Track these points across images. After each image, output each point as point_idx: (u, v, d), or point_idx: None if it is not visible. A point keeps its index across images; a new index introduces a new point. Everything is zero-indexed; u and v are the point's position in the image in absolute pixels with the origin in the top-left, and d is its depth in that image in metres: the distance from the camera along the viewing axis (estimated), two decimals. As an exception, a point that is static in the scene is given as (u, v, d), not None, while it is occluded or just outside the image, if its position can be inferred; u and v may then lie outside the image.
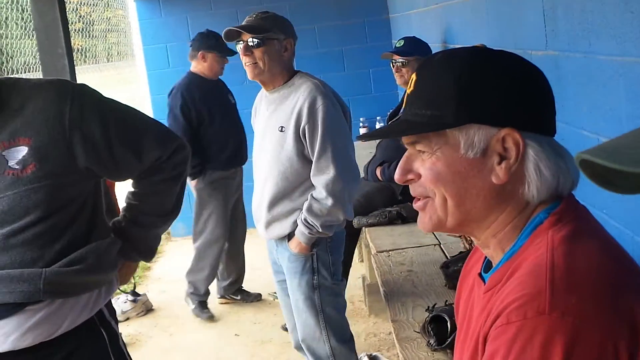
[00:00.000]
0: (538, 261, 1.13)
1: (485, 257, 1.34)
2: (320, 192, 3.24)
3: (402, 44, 4.84)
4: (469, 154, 1.21)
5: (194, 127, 5.26)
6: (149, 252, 2.41)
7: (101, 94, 2.13)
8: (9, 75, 2.16)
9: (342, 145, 3.26)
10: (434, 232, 4.19)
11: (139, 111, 2.24)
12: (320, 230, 3.27)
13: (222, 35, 3.34)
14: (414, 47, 4.78)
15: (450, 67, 1.23)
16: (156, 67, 7.38)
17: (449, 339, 2.59)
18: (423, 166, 1.25)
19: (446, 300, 2.93)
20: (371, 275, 5.04)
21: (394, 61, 4.79)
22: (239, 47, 3.28)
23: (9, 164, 1.95)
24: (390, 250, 3.95)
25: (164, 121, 5.09)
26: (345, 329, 3.56)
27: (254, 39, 3.23)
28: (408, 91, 1.29)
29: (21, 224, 1.95)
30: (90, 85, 2.13)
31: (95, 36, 7.65)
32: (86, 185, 2.08)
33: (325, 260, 3.39)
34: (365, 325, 4.98)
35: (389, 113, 5.70)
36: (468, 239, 3.66)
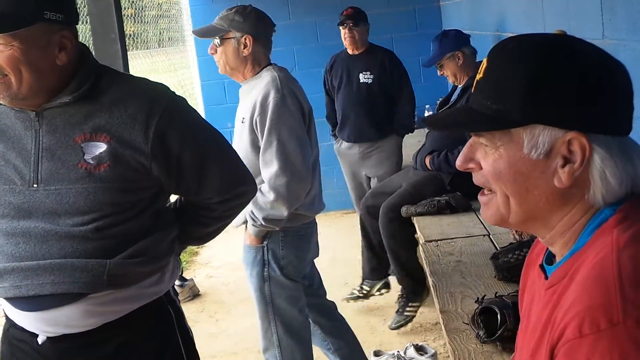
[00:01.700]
0: (603, 264, 1.08)
1: (547, 248, 1.31)
2: (264, 185, 3.28)
3: (432, 49, 4.88)
4: (532, 155, 1.16)
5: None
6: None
7: (195, 114, 2.15)
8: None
9: (289, 140, 3.26)
10: (483, 222, 4.15)
11: (223, 142, 2.22)
12: (262, 223, 3.31)
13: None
14: (440, 47, 4.80)
15: (523, 57, 1.17)
16: (206, 53, 7.39)
17: (499, 332, 2.56)
18: (485, 160, 1.21)
19: (496, 292, 2.89)
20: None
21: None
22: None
23: (85, 157, 1.95)
24: (438, 240, 3.92)
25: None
26: (295, 321, 3.56)
27: (216, 39, 3.39)
28: (478, 77, 1.23)
29: (85, 218, 1.96)
30: (187, 102, 2.14)
31: (147, 22, 7.69)
32: (157, 190, 2.09)
33: (276, 254, 3.44)
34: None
35: (438, 102, 5.67)
36: (519, 230, 3.61)
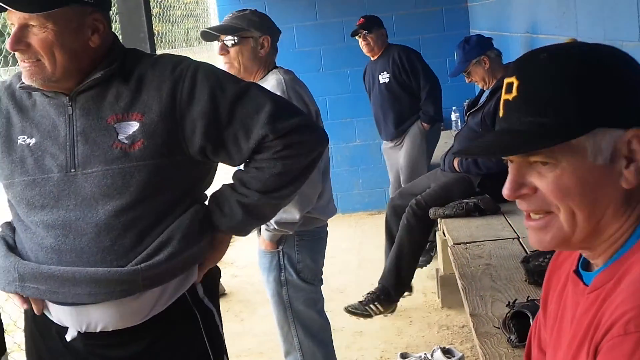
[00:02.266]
0: None
1: (580, 255, 1.29)
2: None
3: (456, 59, 4.93)
4: (598, 161, 1.13)
5: None
6: (241, 226, 2.15)
7: (220, 71, 2.12)
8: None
9: None
10: (513, 226, 4.13)
11: (257, 88, 2.11)
12: (276, 227, 3.29)
13: (200, 36, 3.50)
14: (464, 56, 4.84)
15: (562, 67, 1.15)
16: (233, 53, 7.42)
17: (531, 336, 2.54)
18: (542, 180, 1.16)
19: (528, 296, 2.86)
20: (445, 267, 4.98)
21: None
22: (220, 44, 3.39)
23: (119, 137, 1.96)
24: (467, 243, 3.89)
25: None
26: (315, 324, 3.55)
27: (228, 39, 3.33)
28: (507, 97, 1.18)
29: (123, 203, 1.95)
30: (211, 65, 2.12)
31: (172, 21, 7.73)
32: (193, 171, 2.07)
33: (292, 258, 3.42)
34: (438, 317, 4.94)
35: (465, 104, 5.65)
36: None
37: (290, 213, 3.26)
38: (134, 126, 1.97)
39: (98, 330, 2.04)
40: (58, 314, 2.07)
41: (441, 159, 4.92)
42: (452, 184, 4.68)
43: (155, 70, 2.02)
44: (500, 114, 1.20)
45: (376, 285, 4.89)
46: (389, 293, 4.68)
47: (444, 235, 4.75)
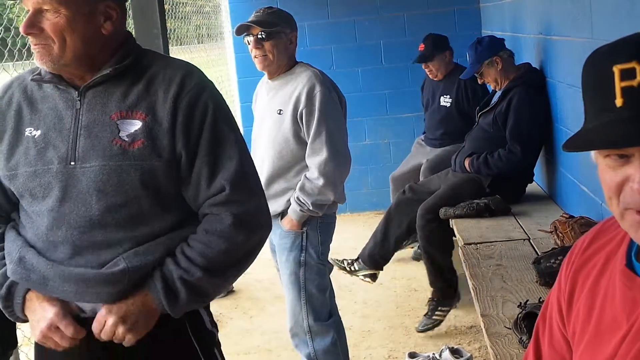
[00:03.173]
0: None
1: (629, 248, 1.28)
2: (312, 172, 3.50)
3: (469, 60, 4.90)
4: None
5: None
6: (173, 297, 2.00)
7: (224, 102, 2.12)
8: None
9: (336, 129, 3.53)
10: (523, 227, 4.12)
11: (242, 140, 2.11)
12: (310, 208, 3.51)
13: (234, 31, 3.66)
14: (476, 56, 4.82)
15: None
16: (244, 50, 7.41)
17: (543, 337, 2.54)
18: None
19: (540, 297, 2.86)
20: (455, 268, 4.97)
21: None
22: (248, 39, 3.59)
23: (120, 134, 1.97)
24: (478, 243, 3.89)
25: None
26: (325, 309, 3.70)
27: (264, 33, 3.52)
28: (628, 83, 1.12)
29: (117, 201, 1.96)
30: (218, 91, 2.13)
31: (180, 18, 7.74)
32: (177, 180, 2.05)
33: (314, 240, 3.61)
34: (447, 317, 4.93)
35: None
36: (560, 235, 3.58)
37: (325, 195, 3.50)
38: (136, 125, 1.98)
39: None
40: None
41: (452, 159, 4.92)
42: (463, 184, 4.68)
43: (167, 73, 2.03)
44: (619, 103, 1.13)
45: (355, 266, 5.14)
46: (444, 293, 4.78)
47: (454, 236, 4.76)
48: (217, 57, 7.86)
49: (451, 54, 6.04)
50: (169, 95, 1.99)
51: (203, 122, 2.02)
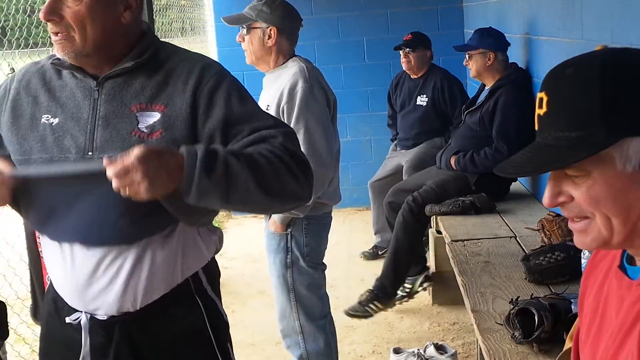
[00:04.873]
0: None
1: (623, 251, 1.32)
2: None
3: (470, 37, 4.92)
4: (627, 168, 1.16)
5: None
6: (208, 166, 1.78)
7: (243, 88, 2.09)
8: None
9: (316, 128, 3.37)
10: (509, 225, 4.16)
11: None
12: None
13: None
14: (478, 40, 4.81)
15: (588, 80, 1.16)
16: (227, 44, 7.42)
17: (536, 333, 2.57)
18: (577, 190, 1.19)
19: (532, 294, 2.90)
20: (437, 264, 5.01)
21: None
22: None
23: (139, 126, 1.96)
24: (465, 240, 3.93)
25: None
26: (316, 309, 3.65)
27: (243, 28, 3.52)
28: (539, 112, 1.23)
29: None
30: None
31: (155, 11, 7.70)
32: None
33: (299, 241, 3.54)
34: (429, 314, 4.97)
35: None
36: (547, 233, 3.62)
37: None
38: (155, 117, 1.97)
39: (102, 315, 2.05)
40: (70, 298, 2.07)
41: (437, 157, 4.95)
42: (449, 181, 4.71)
43: (185, 66, 2.03)
44: (536, 127, 1.25)
45: (407, 285, 4.96)
46: (386, 290, 4.69)
47: (437, 233, 4.79)
48: (200, 50, 7.82)
49: (431, 55, 6.14)
50: (188, 87, 1.98)
51: (229, 100, 1.98)
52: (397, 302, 4.93)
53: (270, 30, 3.48)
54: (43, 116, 2.03)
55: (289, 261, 3.55)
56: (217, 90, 2.00)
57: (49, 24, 1.93)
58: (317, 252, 3.63)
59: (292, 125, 3.31)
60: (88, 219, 1.97)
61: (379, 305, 4.70)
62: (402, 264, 4.71)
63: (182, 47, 2.27)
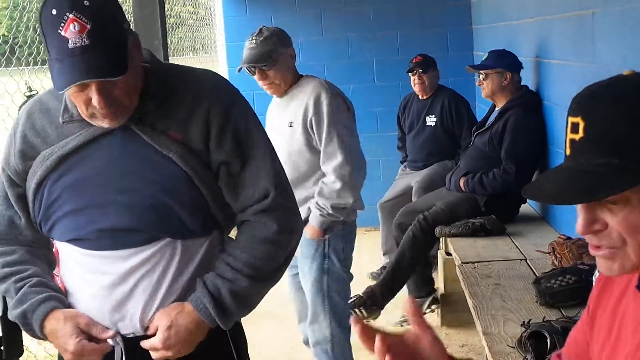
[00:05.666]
0: None
1: None
2: (329, 176, 3.53)
3: (485, 58, 4.93)
4: None
5: None
6: (222, 310, 2.01)
7: (250, 108, 2.14)
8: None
9: (347, 133, 3.57)
10: (519, 247, 4.16)
11: (270, 142, 2.15)
12: (330, 211, 3.51)
13: (244, 70, 3.68)
14: (495, 60, 4.83)
15: (627, 107, 1.16)
16: (237, 63, 7.42)
17: (548, 356, 2.56)
18: (614, 217, 1.18)
19: (544, 317, 2.90)
20: (446, 286, 5.01)
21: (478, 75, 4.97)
22: (252, 71, 3.64)
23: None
24: (475, 262, 3.93)
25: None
26: (347, 317, 3.67)
27: (265, 65, 3.56)
28: (574, 137, 1.20)
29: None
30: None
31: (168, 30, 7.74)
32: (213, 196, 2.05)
33: (337, 247, 3.61)
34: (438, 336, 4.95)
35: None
36: (558, 256, 3.62)
37: (343, 198, 3.50)
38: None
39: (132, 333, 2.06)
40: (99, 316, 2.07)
41: (447, 178, 4.96)
42: (458, 203, 4.71)
43: (196, 90, 2.04)
44: (567, 152, 1.22)
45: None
46: (376, 299, 4.61)
47: (447, 255, 4.79)
48: (211, 67, 7.86)
49: (438, 75, 6.19)
50: (200, 112, 2.00)
51: (238, 131, 2.03)
52: (404, 324, 4.91)
53: (290, 51, 3.66)
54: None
55: (325, 267, 3.60)
56: (228, 117, 2.02)
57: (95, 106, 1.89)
58: (351, 258, 3.72)
59: (324, 135, 3.49)
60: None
61: (363, 311, 4.57)
62: (399, 279, 4.69)
63: (187, 66, 2.27)
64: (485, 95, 4.95)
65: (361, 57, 7.46)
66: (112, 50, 1.84)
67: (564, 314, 3.01)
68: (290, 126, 3.61)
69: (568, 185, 1.19)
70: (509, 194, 4.66)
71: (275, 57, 3.57)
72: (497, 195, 4.62)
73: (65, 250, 2.10)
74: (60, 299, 2.07)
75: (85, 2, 1.80)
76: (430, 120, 6.09)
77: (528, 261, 3.90)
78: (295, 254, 3.46)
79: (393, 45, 7.45)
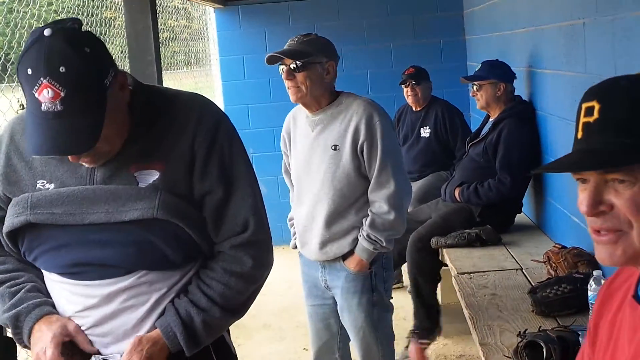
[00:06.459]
0: None
1: (638, 279, 1.33)
2: (381, 206, 3.28)
3: (478, 68, 4.94)
4: None
5: None
6: (192, 338, 2.02)
7: (239, 140, 2.11)
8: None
9: (400, 160, 3.41)
10: (515, 257, 4.17)
11: (256, 180, 2.14)
12: (384, 244, 3.31)
13: (265, 60, 3.33)
14: (488, 71, 4.84)
15: None
16: (231, 77, 7.48)
17: (544, 366, 2.57)
18: (620, 197, 1.20)
19: (540, 326, 2.90)
20: (443, 297, 5.01)
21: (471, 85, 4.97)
22: (282, 69, 3.31)
23: (139, 185, 1.95)
24: (471, 273, 3.93)
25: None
26: (392, 345, 3.62)
27: (296, 63, 3.25)
28: (588, 120, 1.24)
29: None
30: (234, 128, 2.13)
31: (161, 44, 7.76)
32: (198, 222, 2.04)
33: (381, 277, 3.45)
34: (435, 346, 4.94)
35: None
36: (553, 265, 3.62)
37: (396, 229, 3.34)
38: (154, 175, 1.96)
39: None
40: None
41: (442, 189, 4.96)
42: (453, 213, 4.72)
43: (180, 116, 2.01)
44: (579, 136, 1.25)
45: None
46: (428, 328, 4.67)
47: (443, 266, 4.78)
48: (205, 83, 7.88)
49: (431, 86, 6.21)
50: (184, 140, 1.98)
51: (222, 162, 2.02)
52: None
53: (329, 65, 3.33)
54: (38, 182, 2.00)
55: (375, 299, 3.43)
56: (213, 144, 2.00)
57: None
58: (391, 286, 3.58)
59: (378, 161, 3.26)
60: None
61: (422, 342, 4.65)
62: (428, 300, 4.68)
63: (173, 90, 2.22)
64: (481, 107, 4.96)
65: (355, 69, 7.47)
66: (87, 115, 1.79)
67: (560, 323, 3.01)
68: (335, 149, 3.30)
69: (582, 158, 1.23)
70: (503, 204, 4.67)
71: (310, 60, 3.25)
72: (492, 206, 4.62)
73: (48, 276, 2.09)
74: (54, 305, 2.07)
75: (61, 68, 1.73)
76: (425, 132, 6.10)
77: (524, 271, 3.91)
78: (323, 283, 3.50)
79: (387, 57, 7.49)
